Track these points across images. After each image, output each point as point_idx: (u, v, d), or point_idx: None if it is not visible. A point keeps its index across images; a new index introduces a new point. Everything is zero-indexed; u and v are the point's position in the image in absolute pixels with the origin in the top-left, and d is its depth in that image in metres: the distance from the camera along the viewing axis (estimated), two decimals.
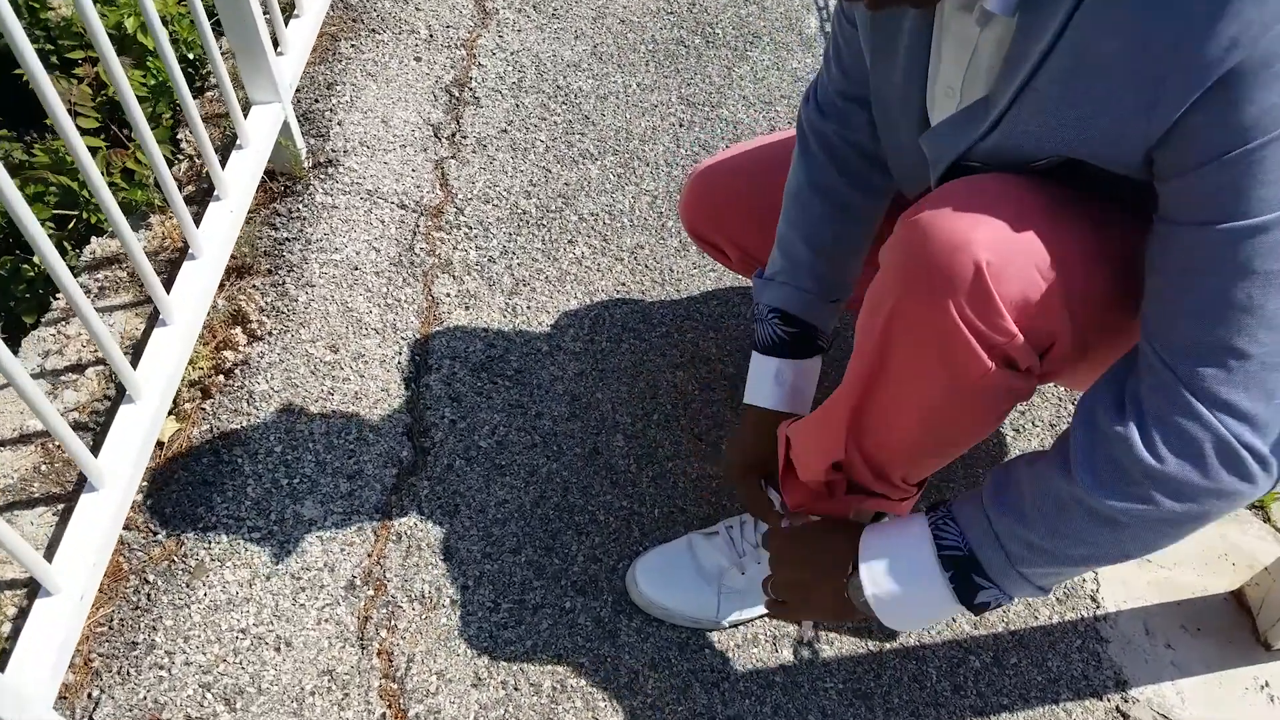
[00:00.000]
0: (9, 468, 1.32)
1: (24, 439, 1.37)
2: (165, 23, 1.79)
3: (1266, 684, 1.34)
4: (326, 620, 1.26)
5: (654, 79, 1.95)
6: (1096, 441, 0.84)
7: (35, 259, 1.60)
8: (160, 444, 1.39)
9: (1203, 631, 1.38)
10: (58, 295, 1.51)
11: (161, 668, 1.21)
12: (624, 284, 1.64)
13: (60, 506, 1.31)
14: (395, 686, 1.22)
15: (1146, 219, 0.85)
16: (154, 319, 1.50)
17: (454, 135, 1.80)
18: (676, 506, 1.41)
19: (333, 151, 1.73)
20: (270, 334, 1.50)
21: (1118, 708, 1.31)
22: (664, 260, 1.68)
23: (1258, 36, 0.68)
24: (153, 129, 1.69)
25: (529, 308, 1.59)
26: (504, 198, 1.72)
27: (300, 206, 1.65)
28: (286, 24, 1.66)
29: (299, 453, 1.39)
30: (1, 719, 1.01)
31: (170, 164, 1.70)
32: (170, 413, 1.41)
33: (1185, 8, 0.70)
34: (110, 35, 1.74)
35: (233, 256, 1.56)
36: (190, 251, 1.40)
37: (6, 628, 1.16)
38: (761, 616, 1.32)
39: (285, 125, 1.61)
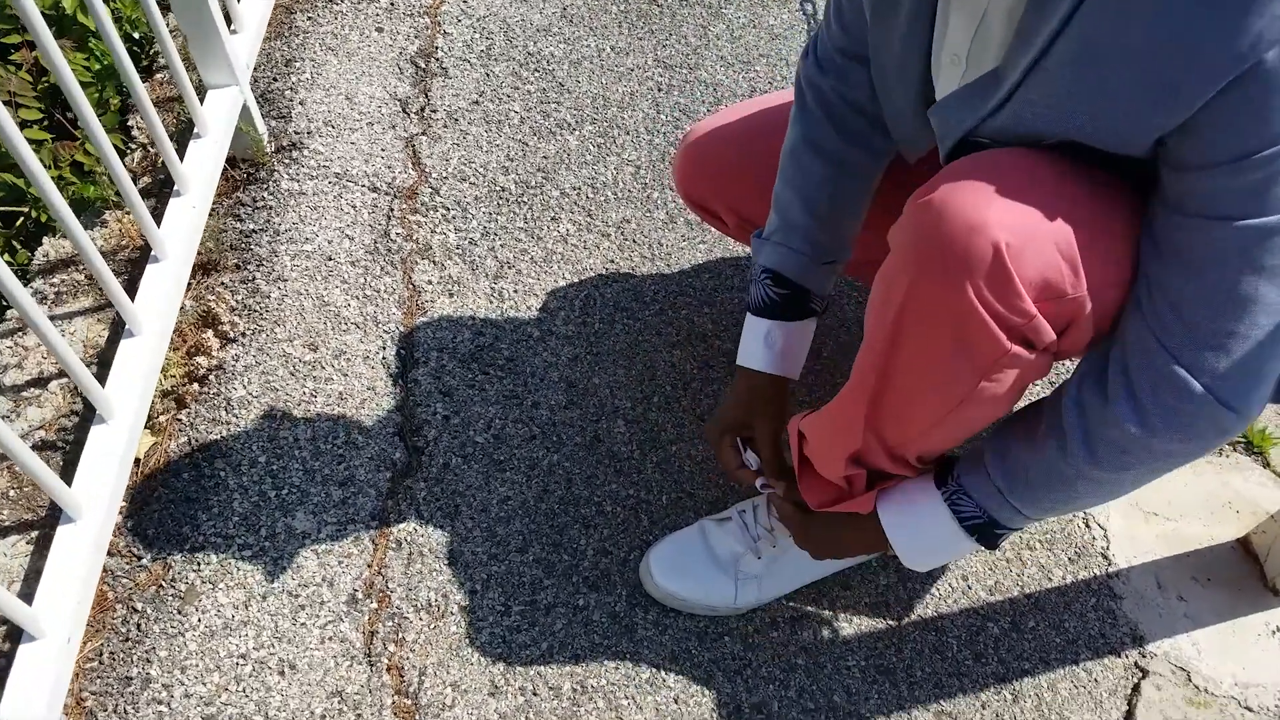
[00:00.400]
0: None
1: None
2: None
3: (1279, 629, 1.29)
4: (331, 639, 1.15)
5: (628, 41, 1.79)
6: (1090, 425, 0.86)
7: None
8: (136, 460, 1.25)
9: (1213, 582, 1.33)
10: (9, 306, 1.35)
11: (160, 702, 1.09)
12: (613, 261, 1.51)
13: (34, 534, 1.18)
14: (409, 703, 1.12)
15: (1144, 194, 0.82)
16: (118, 325, 1.35)
17: (423, 110, 1.64)
18: (684, 491, 1.31)
19: (296, 134, 1.56)
20: (244, 335, 1.36)
21: (1136, 664, 1.25)
22: (652, 234, 1.55)
23: None
24: (100, 115, 1.51)
25: (516, 291, 1.46)
26: (481, 175, 1.58)
27: (265, 195, 1.49)
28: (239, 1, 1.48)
29: (285, 461, 1.27)
30: None
31: (122, 154, 1.53)
32: (145, 426, 1.27)
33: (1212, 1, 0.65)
34: (47, 16, 1.56)
35: (197, 253, 1.40)
36: (153, 254, 1.25)
37: None
38: (776, 599, 1.24)
39: (245, 109, 1.44)
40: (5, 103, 1.48)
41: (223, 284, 1.40)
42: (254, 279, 1.41)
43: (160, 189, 1.48)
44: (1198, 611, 1.30)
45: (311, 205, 1.50)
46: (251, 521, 1.22)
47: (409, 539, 1.23)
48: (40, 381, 1.31)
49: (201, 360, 1.31)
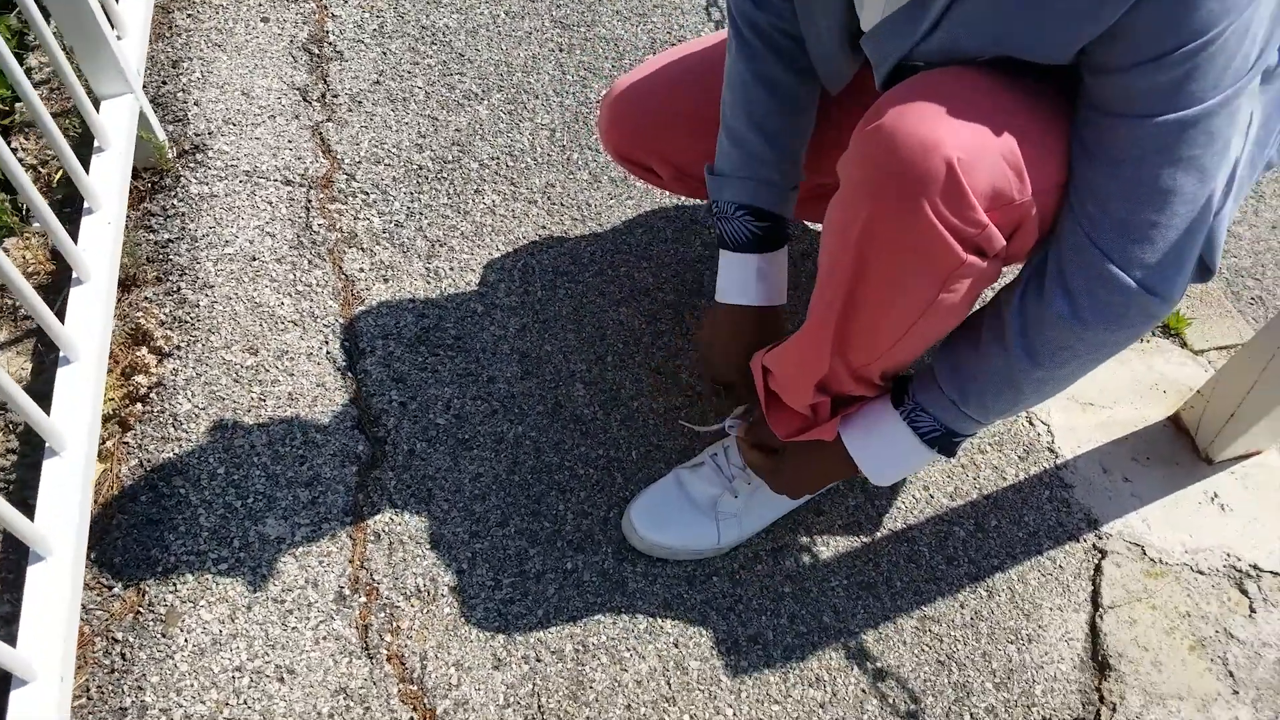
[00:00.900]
0: None
1: None
2: None
3: (1215, 494, 1.42)
4: (325, 638, 1.17)
5: (521, 5, 1.80)
6: (1029, 327, 0.95)
7: None
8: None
9: (1152, 460, 1.45)
10: None
11: None
12: (544, 227, 1.54)
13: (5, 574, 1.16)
14: (415, 689, 1.15)
15: (1072, 100, 0.89)
16: (41, 355, 1.33)
17: (324, 96, 1.63)
18: (653, 444, 1.36)
19: (196, 136, 1.54)
20: (179, 348, 1.34)
21: (1094, 545, 1.36)
22: (578, 195, 1.58)
23: None
24: None
25: (451, 269, 1.48)
26: (395, 155, 1.58)
27: (175, 202, 1.47)
28: (118, 2, 1.44)
29: (245, 470, 1.27)
30: None
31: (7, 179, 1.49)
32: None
33: None
34: None
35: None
36: (75, 276, 1.22)
37: None
38: (757, 533, 1.31)
39: (142, 116, 1.41)
40: None
41: (147, 299, 1.38)
42: (179, 289, 1.39)
43: (59, 209, 1.44)
44: (1142, 489, 1.42)
45: (225, 207, 1.48)
46: (222, 534, 1.22)
47: (387, 529, 1.25)
48: None
49: (140, 379, 1.30)
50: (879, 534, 1.33)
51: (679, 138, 1.26)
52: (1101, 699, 1.25)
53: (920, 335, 0.99)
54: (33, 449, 1.25)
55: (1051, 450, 1.44)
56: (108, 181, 1.31)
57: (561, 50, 1.76)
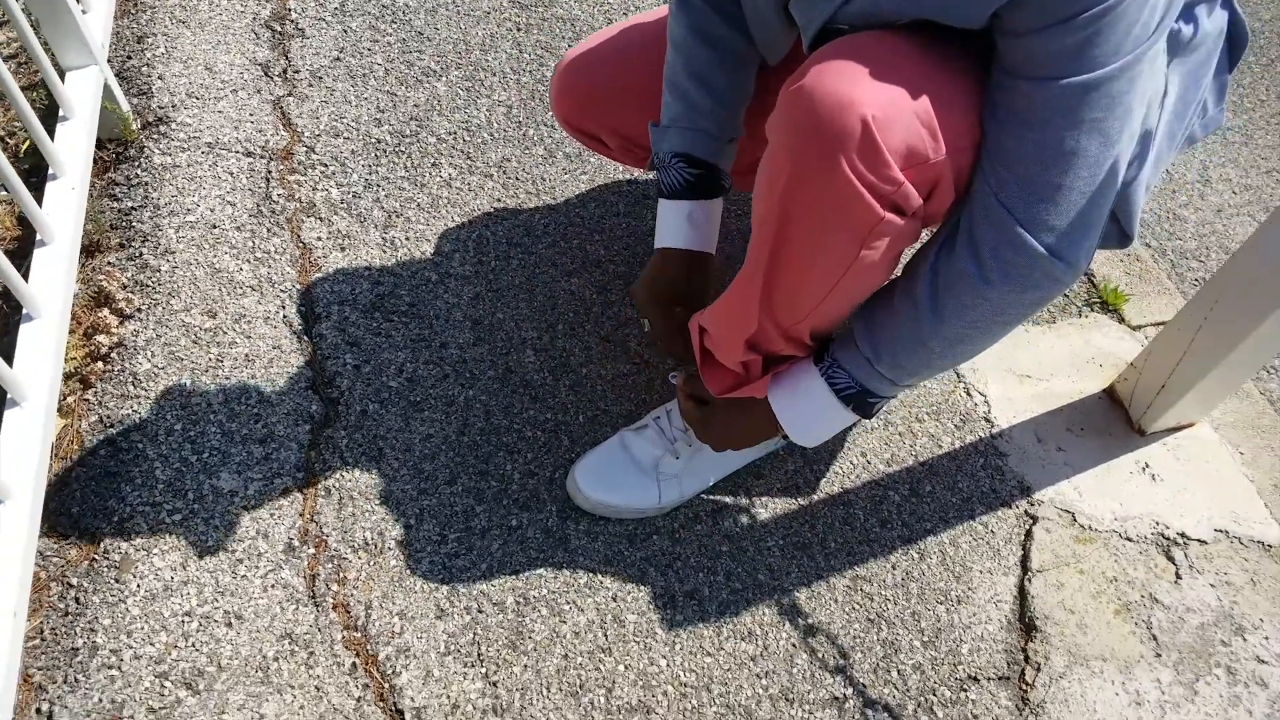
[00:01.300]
0: None
1: None
2: None
3: (1147, 465, 1.50)
4: (273, 586, 1.24)
5: None
6: (939, 282, 1.01)
7: None
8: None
9: (1086, 430, 1.53)
10: None
11: (111, 667, 1.16)
12: (499, 200, 1.62)
13: None
14: (359, 635, 1.22)
15: (987, 65, 0.95)
16: (6, 317, 1.40)
17: (285, 72, 1.71)
18: (599, 409, 1.44)
19: (160, 109, 1.61)
20: (140, 310, 1.42)
21: (1026, 512, 1.44)
22: (533, 170, 1.66)
23: None
24: None
25: (407, 239, 1.56)
26: (354, 129, 1.66)
27: (139, 172, 1.55)
28: None
29: (201, 426, 1.34)
30: None
31: None
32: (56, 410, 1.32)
33: None
34: None
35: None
36: (39, 238, 1.30)
37: None
38: (698, 494, 1.38)
39: (107, 88, 1.49)
40: None
41: (110, 264, 1.45)
42: (141, 255, 1.47)
43: (27, 178, 1.51)
44: (1075, 458, 1.50)
45: (188, 177, 1.56)
46: (177, 487, 1.29)
47: (337, 485, 1.33)
48: None
49: (101, 339, 1.37)
50: (815, 497, 1.41)
51: (627, 109, 1.33)
52: (1026, 659, 1.32)
53: (845, 294, 1.05)
54: None
55: (988, 420, 1.51)
56: (72, 149, 1.39)
57: (519, 29, 1.84)
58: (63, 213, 1.33)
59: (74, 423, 1.33)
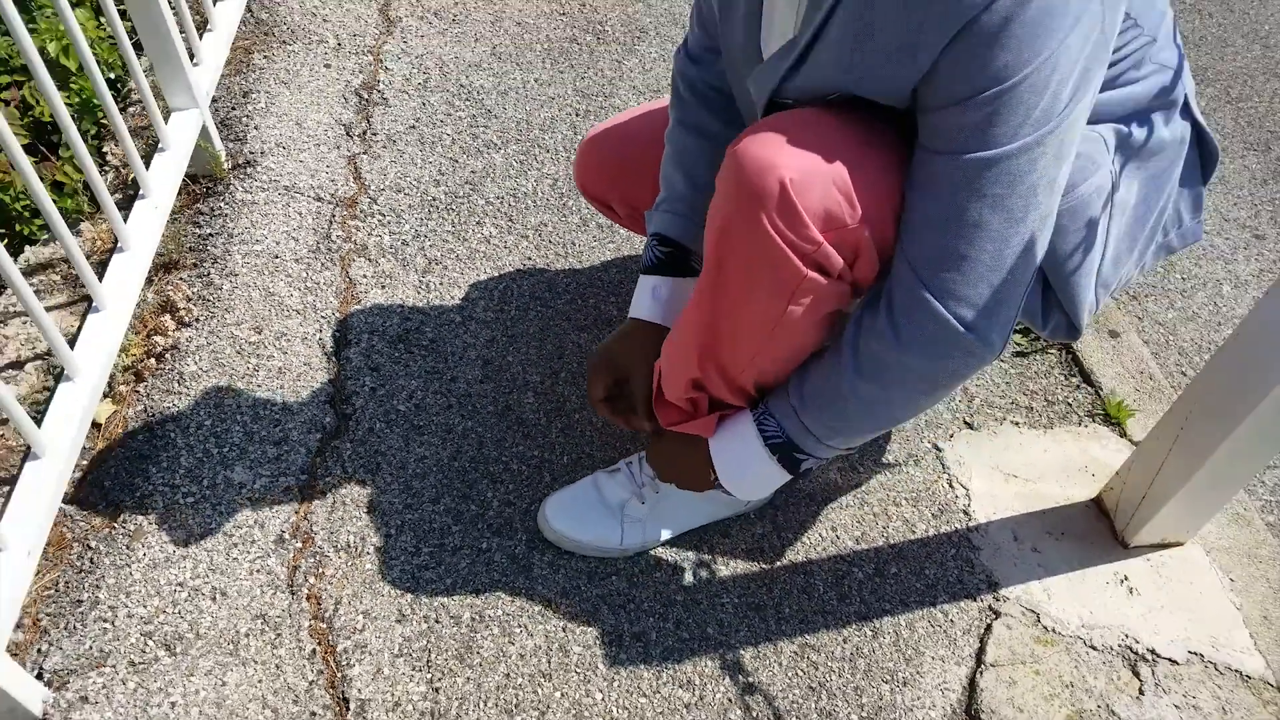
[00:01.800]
0: None
1: None
2: (90, 44, 1.94)
3: (1126, 578, 1.51)
4: (258, 571, 1.40)
5: (550, 74, 2.12)
6: (860, 336, 1.10)
7: None
8: (97, 425, 1.52)
9: (1066, 535, 1.56)
10: None
11: (105, 620, 1.34)
12: (530, 258, 1.80)
13: (7, 490, 1.44)
14: (324, 626, 1.36)
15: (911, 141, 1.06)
16: (86, 316, 1.64)
17: (364, 133, 1.96)
18: (584, 453, 1.56)
19: (251, 153, 1.88)
20: (198, 320, 1.64)
21: (990, 606, 1.47)
22: (566, 235, 1.84)
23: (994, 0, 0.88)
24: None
25: (441, 284, 1.75)
26: (414, 187, 1.88)
27: (222, 205, 1.80)
28: (201, 38, 1.81)
29: (228, 424, 1.53)
30: None
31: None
32: (106, 396, 1.54)
33: None
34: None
35: (160, 254, 1.70)
36: (119, 245, 1.54)
37: None
38: (663, 544, 1.48)
39: (204, 129, 1.75)
40: None
41: (181, 278, 1.69)
42: (209, 274, 1.70)
43: (129, 203, 1.78)
44: (1050, 561, 1.53)
45: (262, 213, 1.80)
46: (195, 474, 1.48)
47: (333, 490, 1.49)
48: (17, 364, 1.59)
49: (159, 340, 1.60)
50: (778, 563, 1.48)
51: (635, 182, 1.49)
52: None
53: (779, 348, 1.15)
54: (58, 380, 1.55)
55: (966, 513, 1.56)
56: (162, 175, 1.64)
57: (577, 115, 2.05)
58: (143, 227, 1.57)
59: (122, 409, 1.54)
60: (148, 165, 1.66)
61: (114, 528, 1.42)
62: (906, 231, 1.05)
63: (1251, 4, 3.06)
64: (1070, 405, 1.73)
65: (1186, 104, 1.22)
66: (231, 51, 2.06)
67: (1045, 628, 1.46)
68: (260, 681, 1.30)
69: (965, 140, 0.97)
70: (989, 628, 1.45)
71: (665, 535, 1.47)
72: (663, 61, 2.20)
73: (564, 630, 1.39)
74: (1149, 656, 1.44)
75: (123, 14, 1.68)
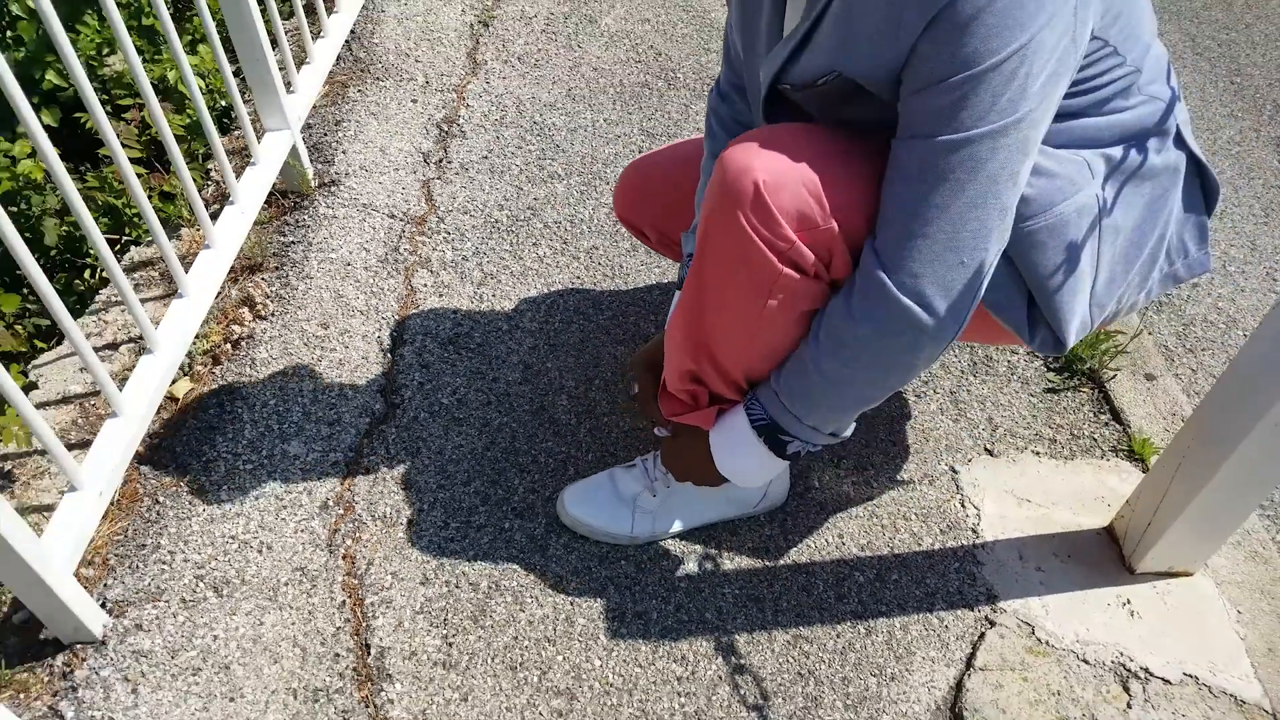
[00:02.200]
0: (54, 421, 1.70)
1: (66, 400, 1.75)
2: (201, 75, 2.24)
3: (1128, 601, 1.58)
4: (302, 531, 1.59)
5: (619, 115, 2.35)
6: (823, 317, 1.22)
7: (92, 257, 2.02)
8: (175, 399, 1.76)
9: (1073, 559, 1.63)
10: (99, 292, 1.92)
11: (164, 563, 1.54)
12: (579, 278, 2.00)
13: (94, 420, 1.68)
14: (355, 581, 1.54)
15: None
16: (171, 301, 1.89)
17: (441, 161, 2.21)
18: (608, 452, 1.73)
19: (336, 174, 2.14)
20: (273, 314, 1.88)
21: (986, 617, 1.56)
22: (615, 259, 2.03)
23: None
24: (189, 162, 2.13)
25: (494, 296, 1.95)
26: (480, 210, 2.11)
27: (305, 218, 2.06)
28: (299, 70, 2.09)
29: (289, 405, 1.75)
30: (37, 575, 1.35)
31: (200, 188, 2.13)
32: (186, 375, 1.78)
33: None
34: (155, 86, 2.19)
35: (247, 257, 1.96)
36: (206, 243, 1.79)
37: (46, 519, 1.52)
38: (671, 536, 1.62)
39: (294, 149, 2.02)
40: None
41: (262, 279, 1.94)
42: (287, 276, 1.95)
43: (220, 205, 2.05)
44: (1053, 580, 1.61)
45: (341, 226, 2.05)
46: (256, 445, 1.69)
47: (376, 468, 1.68)
48: (113, 345, 1.84)
49: (237, 329, 1.83)
50: (781, 561, 1.60)
51: (665, 210, 1.66)
52: None
53: (763, 343, 1.29)
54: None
55: (974, 531, 1.66)
56: (251, 186, 1.90)
57: (639, 152, 2.26)
58: (228, 228, 1.83)
59: (199, 387, 1.77)
60: (239, 178, 1.93)
61: (180, 486, 1.64)
62: (877, 218, 1.17)
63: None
64: (1095, 440, 1.81)
65: (1180, 136, 1.34)
66: (330, 85, 2.36)
67: (1039, 639, 1.54)
68: (293, 624, 1.48)
69: (934, 123, 1.08)
70: (982, 635, 1.54)
71: (674, 528, 1.61)
72: None
73: (571, 604, 1.53)
74: (1141, 674, 1.50)
75: (230, 48, 1.97)
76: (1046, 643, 1.53)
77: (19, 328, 1.98)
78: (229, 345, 1.83)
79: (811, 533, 1.64)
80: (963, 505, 1.69)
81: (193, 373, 1.79)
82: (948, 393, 1.85)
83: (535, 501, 1.66)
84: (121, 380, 1.74)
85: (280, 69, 1.97)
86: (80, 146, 2.25)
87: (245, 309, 1.87)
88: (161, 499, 1.62)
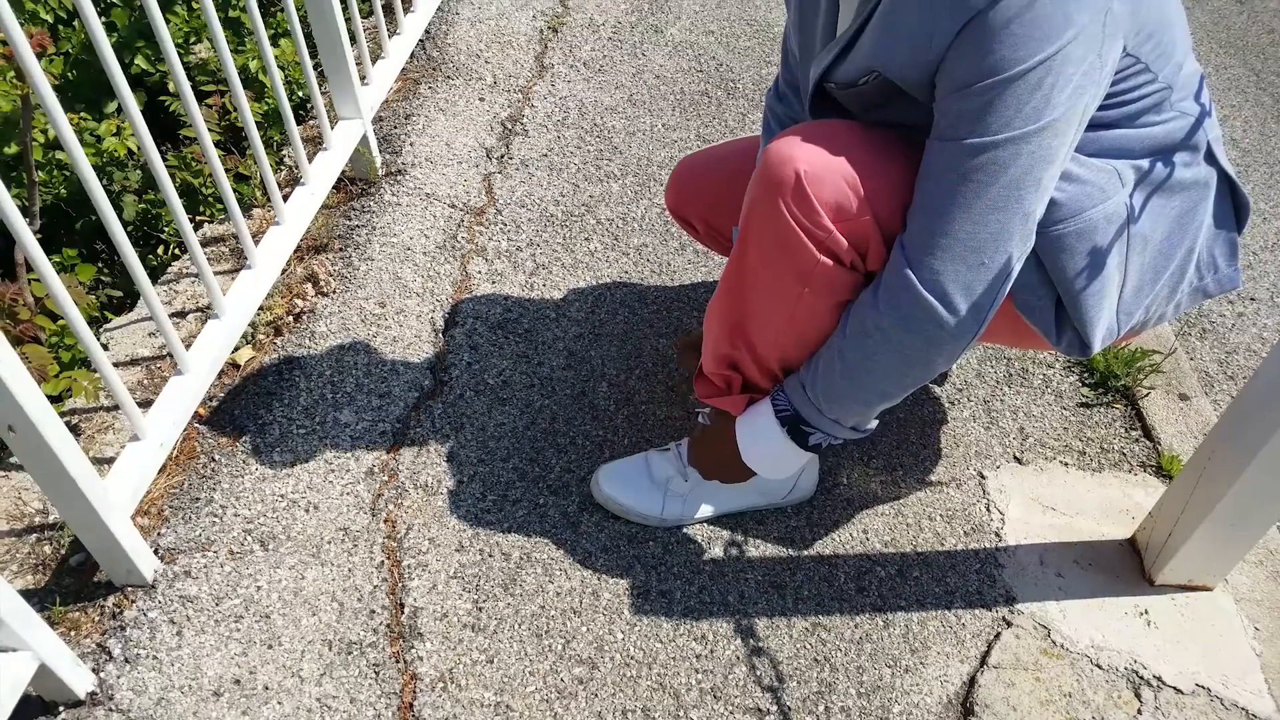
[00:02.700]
0: (122, 380, 1.82)
1: (134, 362, 1.87)
2: (281, 67, 2.38)
3: (1146, 611, 1.61)
4: (348, 493, 1.69)
5: (677, 121, 2.44)
6: (853, 306, 1.29)
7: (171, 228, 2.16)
8: (237, 366, 1.87)
9: (1094, 567, 1.67)
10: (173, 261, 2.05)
11: (215, 516, 1.65)
12: (627, 272, 2.09)
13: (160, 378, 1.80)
14: (394, 544, 1.63)
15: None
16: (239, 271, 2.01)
17: (503, 157, 2.32)
18: (643, 437, 1.80)
19: (403, 164, 2.26)
20: (334, 292, 1.99)
21: (1004, 618, 1.60)
22: (664, 256, 2.12)
23: None
24: (266, 147, 2.26)
25: (544, 285, 2.05)
26: (537, 204, 2.21)
27: (371, 204, 2.18)
28: (374, 64, 2.22)
29: (343, 376, 1.86)
30: (97, 515, 1.46)
31: (275, 171, 2.26)
32: (250, 343, 1.90)
33: None
34: (240, 73, 2.33)
35: (313, 237, 2.08)
36: (276, 219, 1.91)
37: (109, 465, 1.63)
38: (699, 521, 1.69)
39: (364, 139, 2.14)
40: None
41: (326, 258, 2.06)
42: (350, 257, 2.06)
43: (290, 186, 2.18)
44: (1072, 586, 1.64)
45: (404, 213, 2.16)
46: (310, 412, 1.80)
47: (421, 439, 1.78)
48: (182, 314, 1.97)
49: (300, 303, 1.95)
50: (806, 552, 1.66)
51: (715, 205, 1.74)
52: None
53: (799, 331, 1.37)
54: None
55: (998, 535, 1.70)
56: (321, 169, 2.02)
57: None
58: (298, 207, 1.95)
59: (260, 355, 1.89)
60: (311, 161, 2.05)
61: (236, 447, 1.75)
62: (908, 216, 1.24)
63: None
64: (1124, 455, 1.85)
65: (1211, 152, 1.39)
66: (403, 81, 2.49)
67: (1054, 641, 1.58)
68: (333, 580, 1.57)
69: (962, 126, 1.15)
70: (998, 635, 1.58)
71: (704, 513, 1.68)
72: None
73: (599, 579, 1.61)
74: (1154, 682, 1.54)
75: (310, 43, 2.10)
76: (1061, 645, 1.57)
77: (92, 297, 2.12)
78: (291, 318, 1.94)
79: (837, 527, 1.70)
80: (988, 509, 1.74)
81: (255, 342, 1.91)
82: (981, 401, 1.90)
83: (570, 480, 1.74)
84: (188, 344, 1.87)
85: (356, 62, 2.10)
86: (161, 129, 2.40)
87: (309, 285, 1.99)
88: (217, 457, 1.73)
